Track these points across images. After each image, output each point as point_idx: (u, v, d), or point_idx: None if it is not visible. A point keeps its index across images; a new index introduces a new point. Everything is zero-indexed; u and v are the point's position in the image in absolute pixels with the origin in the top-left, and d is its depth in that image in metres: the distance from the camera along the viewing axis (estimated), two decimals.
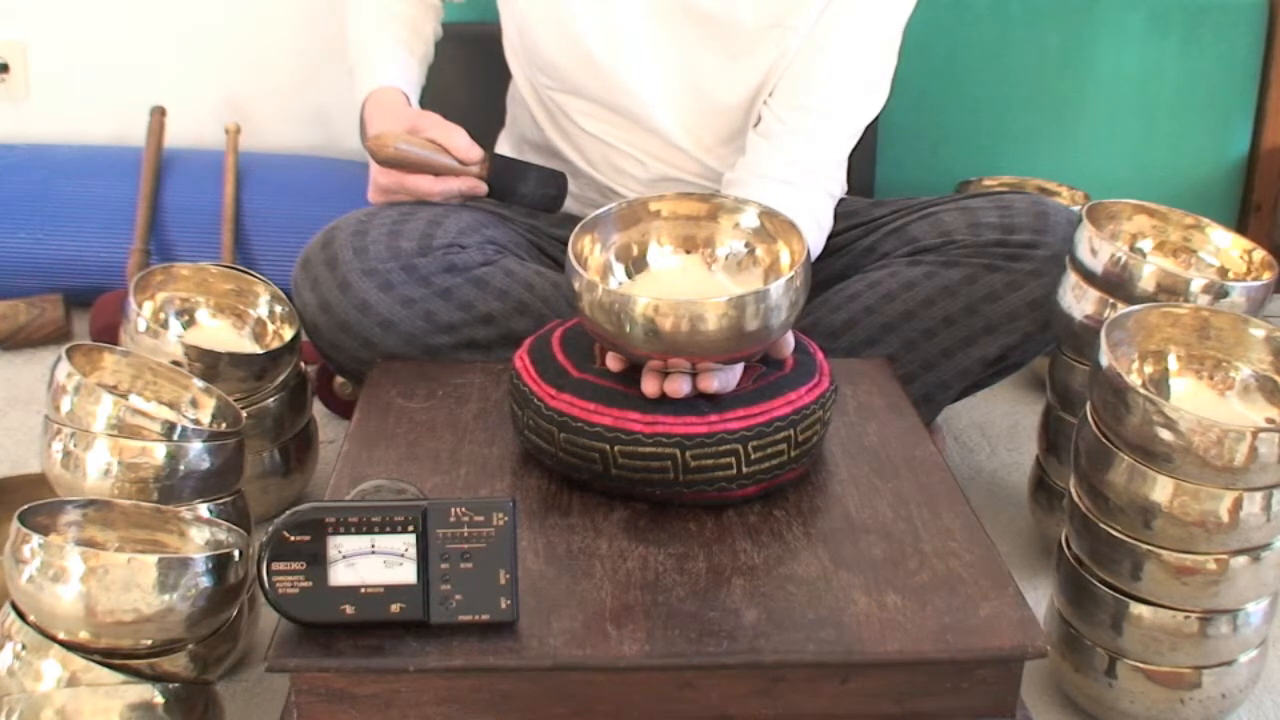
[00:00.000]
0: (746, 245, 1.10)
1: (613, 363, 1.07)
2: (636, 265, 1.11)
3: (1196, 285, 1.15)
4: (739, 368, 1.05)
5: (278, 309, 1.36)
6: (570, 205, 1.49)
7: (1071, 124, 2.04)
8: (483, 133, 1.60)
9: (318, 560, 0.86)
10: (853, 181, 1.40)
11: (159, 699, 0.91)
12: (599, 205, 1.48)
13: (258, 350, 1.32)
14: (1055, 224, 1.35)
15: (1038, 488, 1.35)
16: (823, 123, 1.36)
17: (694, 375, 1.03)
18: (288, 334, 1.33)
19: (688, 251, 1.11)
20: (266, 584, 0.86)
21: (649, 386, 1.03)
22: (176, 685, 0.92)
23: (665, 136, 1.42)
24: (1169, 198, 1.39)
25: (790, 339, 1.09)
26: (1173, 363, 1.11)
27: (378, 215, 1.34)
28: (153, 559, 0.89)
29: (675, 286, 1.08)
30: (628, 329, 0.99)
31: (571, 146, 1.47)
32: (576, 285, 1.02)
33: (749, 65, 1.38)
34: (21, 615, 0.91)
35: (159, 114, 1.93)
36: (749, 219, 1.10)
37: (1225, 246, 1.27)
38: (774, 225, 1.09)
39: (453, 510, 0.87)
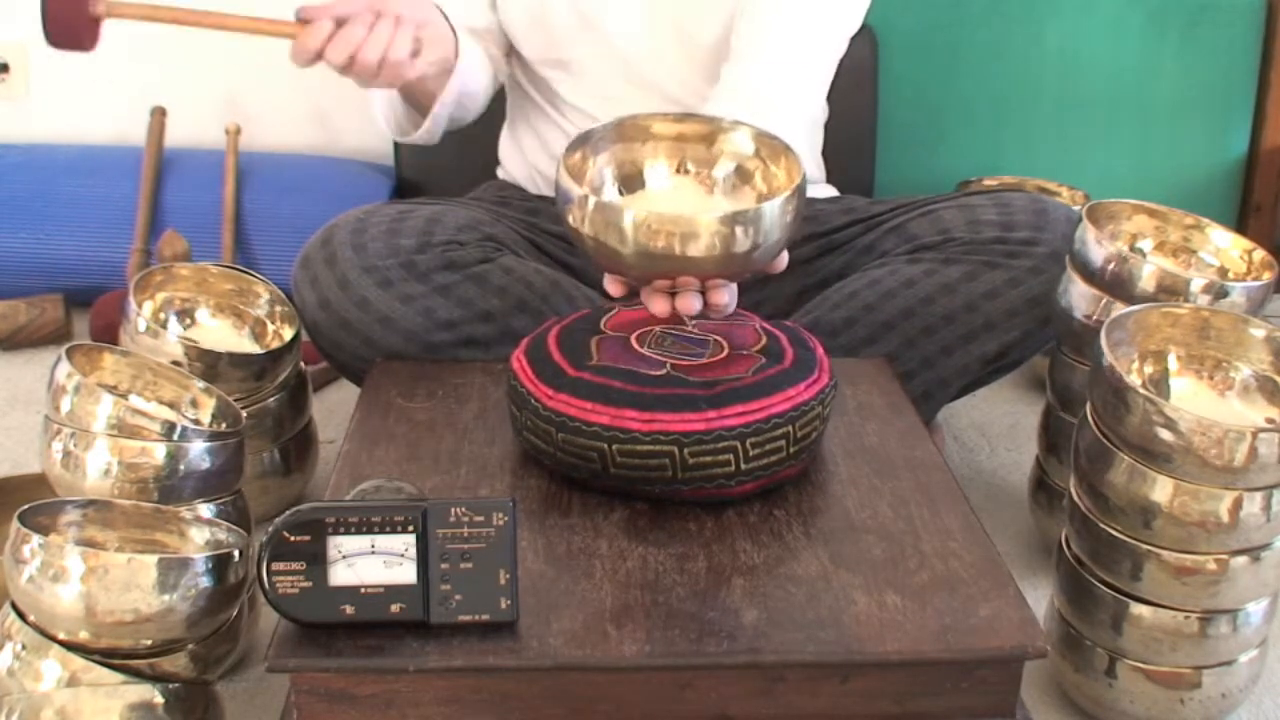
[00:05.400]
0: (744, 169, 1.08)
1: (611, 286, 1.06)
2: (630, 185, 1.08)
3: (1196, 285, 1.15)
4: (734, 288, 1.04)
5: (278, 309, 1.36)
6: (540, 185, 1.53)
7: (1071, 124, 2.04)
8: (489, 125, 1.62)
9: (318, 560, 0.86)
10: (852, 181, 1.39)
11: (159, 699, 0.91)
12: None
13: (258, 350, 1.32)
14: (1054, 221, 1.35)
15: (1038, 488, 1.35)
16: (779, 37, 1.35)
17: (704, 292, 1.01)
18: (288, 334, 1.33)
19: (681, 172, 1.09)
20: (266, 584, 0.86)
21: (658, 306, 1.01)
22: (176, 685, 0.92)
23: (652, 83, 1.43)
24: (1168, 197, 1.38)
25: (784, 257, 1.07)
26: (1173, 363, 1.11)
27: (376, 212, 1.34)
28: (153, 559, 0.89)
29: (670, 205, 1.05)
30: (619, 245, 0.97)
31: (558, 116, 1.50)
32: (571, 199, 0.99)
33: (720, 2, 1.39)
34: (21, 615, 0.91)
35: (159, 114, 1.93)
36: (746, 143, 1.09)
37: (1225, 246, 1.27)
38: (771, 150, 1.07)
39: (453, 510, 0.87)
